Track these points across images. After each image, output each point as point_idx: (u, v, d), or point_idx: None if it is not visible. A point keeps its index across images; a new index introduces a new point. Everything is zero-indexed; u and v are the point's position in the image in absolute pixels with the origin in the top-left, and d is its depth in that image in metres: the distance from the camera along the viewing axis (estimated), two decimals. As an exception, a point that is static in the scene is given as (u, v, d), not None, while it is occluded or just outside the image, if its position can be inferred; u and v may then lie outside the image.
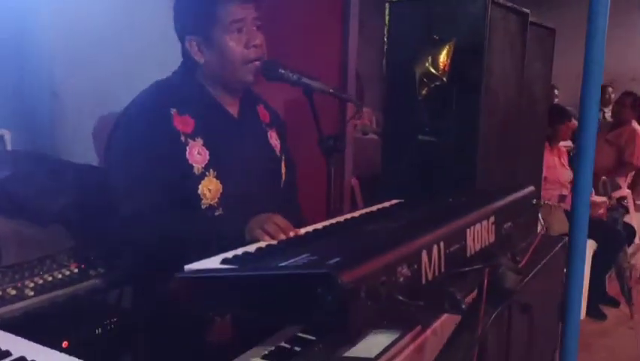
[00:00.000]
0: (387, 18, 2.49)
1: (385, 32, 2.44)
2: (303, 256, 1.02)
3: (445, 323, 1.41)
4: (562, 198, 4.51)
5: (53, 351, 1.12)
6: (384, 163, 2.55)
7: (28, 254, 1.77)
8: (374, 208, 1.83)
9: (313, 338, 1.36)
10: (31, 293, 1.65)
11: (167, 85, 1.66)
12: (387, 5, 2.50)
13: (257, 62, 1.58)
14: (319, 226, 1.51)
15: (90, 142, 2.61)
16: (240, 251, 1.23)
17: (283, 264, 0.98)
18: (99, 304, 1.93)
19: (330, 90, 1.57)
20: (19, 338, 1.18)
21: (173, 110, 1.57)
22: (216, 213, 1.57)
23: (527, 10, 2.67)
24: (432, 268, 1.17)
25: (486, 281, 1.21)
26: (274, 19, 1.94)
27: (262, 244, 1.33)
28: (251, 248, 1.32)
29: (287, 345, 1.32)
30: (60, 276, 1.76)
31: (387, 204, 1.88)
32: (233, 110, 1.68)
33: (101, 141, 2.61)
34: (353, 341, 1.31)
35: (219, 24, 1.56)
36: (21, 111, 2.56)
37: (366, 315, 0.95)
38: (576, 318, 2.07)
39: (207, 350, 1.50)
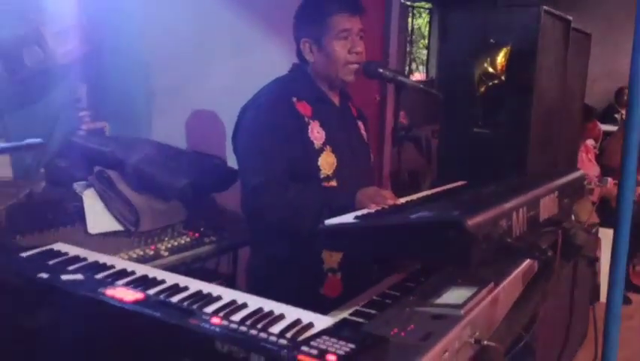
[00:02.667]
0: (440, 25, 2.79)
1: (439, 38, 2.75)
2: (424, 212, 1.34)
3: (512, 281, 1.71)
4: (590, 190, 4.79)
5: (223, 288, 1.44)
6: (441, 153, 2.86)
7: (157, 223, 2.10)
8: (445, 187, 2.14)
9: (397, 293, 1.66)
10: (166, 253, 1.98)
11: (286, 79, 1.99)
12: (441, 13, 2.81)
13: (356, 65, 1.90)
14: (410, 198, 1.83)
15: (182, 134, 2.94)
16: (358, 213, 1.55)
17: (414, 216, 1.30)
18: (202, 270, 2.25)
19: (421, 86, 1.89)
20: (190, 278, 1.50)
21: (294, 98, 1.90)
22: (331, 183, 1.89)
23: (570, 17, 2.96)
24: (519, 226, 1.48)
25: (560, 239, 1.51)
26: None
27: (363, 212, 1.64)
28: (352, 215, 1.62)
29: (379, 298, 1.63)
30: (183, 242, 2.10)
31: (454, 184, 2.19)
32: (335, 100, 2.01)
33: (193, 133, 2.96)
34: (438, 293, 1.61)
35: (330, 31, 1.88)
36: (120, 107, 2.90)
37: (481, 255, 1.26)
38: (618, 303, 2.07)
39: (320, 303, 1.81)
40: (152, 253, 1.95)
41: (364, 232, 1.36)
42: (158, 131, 2.87)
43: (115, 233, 2.03)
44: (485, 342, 1.48)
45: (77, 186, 2.10)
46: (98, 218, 2.00)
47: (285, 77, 2.01)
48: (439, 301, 1.57)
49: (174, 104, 2.95)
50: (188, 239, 2.11)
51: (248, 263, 2.11)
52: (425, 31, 10.06)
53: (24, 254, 1.60)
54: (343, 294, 1.86)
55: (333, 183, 1.89)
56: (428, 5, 9.77)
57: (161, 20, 2.89)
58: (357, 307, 1.59)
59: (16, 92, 2.95)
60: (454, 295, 1.58)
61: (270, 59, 3.32)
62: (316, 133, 1.88)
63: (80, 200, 2.05)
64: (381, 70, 1.86)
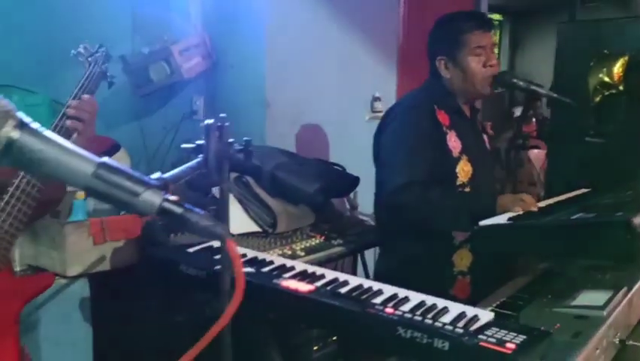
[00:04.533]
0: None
1: (555, 49, 2.81)
2: (581, 214, 1.41)
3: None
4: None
5: (379, 283, 1.55)
6: (551, 162, 2.89)
7: (290, 225, 2.25)
8: (570, 195, 2.18)
9: (526, 296, 1.73)
10: (302, 253, 2.11)
11: (425, 90, 2.10)
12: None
13: (490, 78, 1.99)
14: (546, 203, 1.89)
15: (292, 144, 3.11)
16: (511, 214, 1.63)
17: (574, 217, 1.37)
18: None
19: (555, 95, 1.96)
20: (344, 273, 1.62)
21: (435, 106, 2.00)
22: (465, 190, 1.98)
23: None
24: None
25: None
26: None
27: (513, 214, 1.72)
28: (503, 217, 1.71)
29: (509, 300, 1.70)
30: (314, 243, 2.23)
31: (578, 192, 2.23)
32: (467, 112, 2.10)
33: (303, 144, 3.13)
34: (572, 296, 1.66)
35: (466, 47, 1.98)
36: (235, 118, 3.08)
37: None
38: None
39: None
40: (289, 252, 2.08)
41: (520, 232, 1.44)
42: (270, 141, 3.03)
43: (253, 234, 2.18)
44: (631, 342, 1.52)
45: (216, 191, 2.27)
46: (238, 220, 2.16)
47: (424, 88, 2.11)
48: (577, 302, 1.63)
49: (285, 115, 3.12)
50: (317, 241, 2.24)
51: (377, 264, 2.21)
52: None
53: (190, 250, 1.77)
54: (472, 296, 1.94)
55: (468, 189, 1.98)
56: (497, 17, 9.71)
57: (280, 38, 3.07)
58: (492, 308, 1.67)
59: (138, 105, 3.20)
60: (591, 298, 1.63)
61: (372, 73, 3.47)
62: (453, 142, 1.98)
63: (220, 195, 2.21)
64: (515, 80, 1.94)
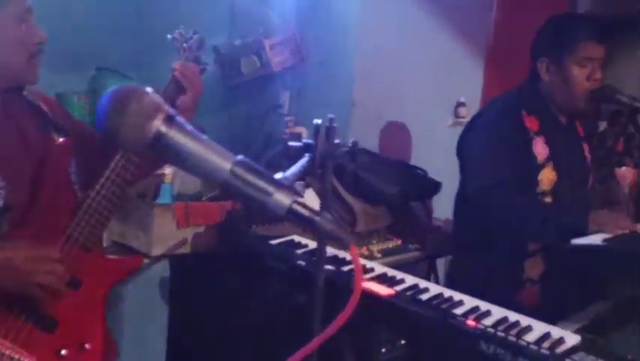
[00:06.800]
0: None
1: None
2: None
3: None
4: None
5: (459, 293, 1.52)
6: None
7: (369, 225, 2.24)
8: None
9: (613, 320, 1.64)
10: (379, 255, 2.11)
11: (517, 93, 2.02)
12: None
13: (589, 93, 1.89)
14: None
15: (375, 143, 3.10)
16: (606, 236, 1.56)
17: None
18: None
19: (662, 113, 1.85)
20: (425, 280, 1.60)
21: (523, 111, 1.93)
22: (546, 199, 1.89)
23: None
24: None
25: None
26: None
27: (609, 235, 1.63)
28: (598, 237, 1.63)
29: (594, 322, 1.62)
30: (391, 246, 2.22)
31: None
32: (562, 119, 2.01)
33: (385, 145, 3.11)
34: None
35: (573, 55, 1.87)
36: (320, 115, 3.10)
37: None
38: None
39: (517, 311, 1.83)
40: (366, 253, 2.09)
41: (616, 257, 1.37)
42: (353, 139, 3.03)
43: (330, 231, 2.19)
44: None
45: (298, 185, 2.29)
46: (317, 216, 2.17)
47: (516, 90, 2.04)
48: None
49: (370, 114, 3.11)
50: (394, 244, 2.23)
51: (450, 266, 2.18)
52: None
53: (272, 242, 1.80)
54: (540, 306, 1.87)
55: (548, 199, 1.90)
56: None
57: (370, 38, 3.07)
58: (575, 328, 1.60)
59: (226, 95, 3.28)
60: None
61: (458, 78, 3.40)
62: (540, 148, 1.90)
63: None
64: (618, 95, 1.84)
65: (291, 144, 1.28)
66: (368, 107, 3.11)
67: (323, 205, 1.14)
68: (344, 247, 0.74)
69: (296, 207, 0.71)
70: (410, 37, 3.17)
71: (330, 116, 1.07)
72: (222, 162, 0.66)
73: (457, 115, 3.41)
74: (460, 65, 3.39)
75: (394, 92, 3.16)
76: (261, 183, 0.66)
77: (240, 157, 0.68)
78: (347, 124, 3.09)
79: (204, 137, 0.67)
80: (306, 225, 0.69)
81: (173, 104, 1.50)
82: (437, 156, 2.52)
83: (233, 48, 3.13)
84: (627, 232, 1.64)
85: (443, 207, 2.36)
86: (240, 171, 0.66)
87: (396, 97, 3.16)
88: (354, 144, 1.29)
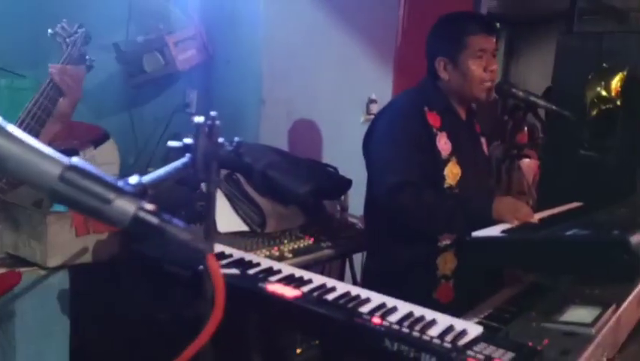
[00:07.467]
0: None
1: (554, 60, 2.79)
2: (575, 230, 1.38)
3: (631, 302, 1.72)
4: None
5: (367, 290, 1.51)
6: (543, 175, 2.87)
7: (280, 225, 2.20)
8: (562, 208, 2.16)
9: (514, 309, 1.70)
10: (290, 255, 2.07)
11: (417, 91, 2.06)
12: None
13: (489, 83, 1.96)
14: (541, 215, 1.86)
15: (285, 141, 3.07)
16: (504, 227, 1.60)
17: (569, 233, 1.34)
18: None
19: (554, 107, 1.93)
20: (333, 279, 1.58)
21: (426, 108, 1.97)
22: (454, 192, 1.94)
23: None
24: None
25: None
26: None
27: (508, 226, 1.69)
28: (497, 228, 1.68)
29: (496, 312, 1.67)
30: (302, 245, 2.19)
31: (570, 205, 2.21)
32: (462, 114, 2.07)
33: (296, 143, 3.09)
34: (560, 311, 1.64)
35: (467, 49, 1.95)
36: (229, 114, 3.05)
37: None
38: None
39: (433, 308, 1.87)
40: (277, 254, 2.04)
41: (513, 246, 1.41)
42: (264, 138, 3.00)
43: (240, 233, 2.14)
44: (618, 362, 1.51)
45: (204, 186, 2.21)
46: (226, 218, 2.12)
47: (416, 88, 2.08)
48: (565, 318, 1.61)
49: (280, 112, 3.09)
50: (306, 243, 2.20)
51: (364, 266, 2.18)
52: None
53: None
54: (454, 300, 1.93)
55: (456, 192, 1.94)
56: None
57: (278, 36, 3.03)
58: (479, 319, 1.64)
59: (129, 95, 3.15)
60: (579, 314, 1.61)
61: (368, 75, 3.44)
62: (443, 144, 1.94)
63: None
64: (514, 90, 1.91)
65: (171, 144, 1.20)
66: (278, 105, 3.08)
67: (206, 208, 1.09)
68: (202, 258, 0.68)
69: (142, 214, 0.64)
70: (318, 34, 3.16)
71: (213, 113, 1.02)
72: (50, 166, 0.58)
73: (368, 112, 3.44)
74: (369, 62, 3.42)
75: (304, 90, 3.14)
76: (98, 190, 0.59)
77: (74, 160, 0.60)
78: (257, 122, 3.05)
79: (32, 139, 0.60)
80: (155, 235, 0.63)
81: (53, 106, 1.41)
82: (348, 153, 2.52)
83: (134, 45, 3.01)
84: (528, 221, 1.70)
85: (358, 204, 2.37)
86: (72, 176, 0.58)
87: (306, 94, 3.15)
88: (239, 143, 1.24)
